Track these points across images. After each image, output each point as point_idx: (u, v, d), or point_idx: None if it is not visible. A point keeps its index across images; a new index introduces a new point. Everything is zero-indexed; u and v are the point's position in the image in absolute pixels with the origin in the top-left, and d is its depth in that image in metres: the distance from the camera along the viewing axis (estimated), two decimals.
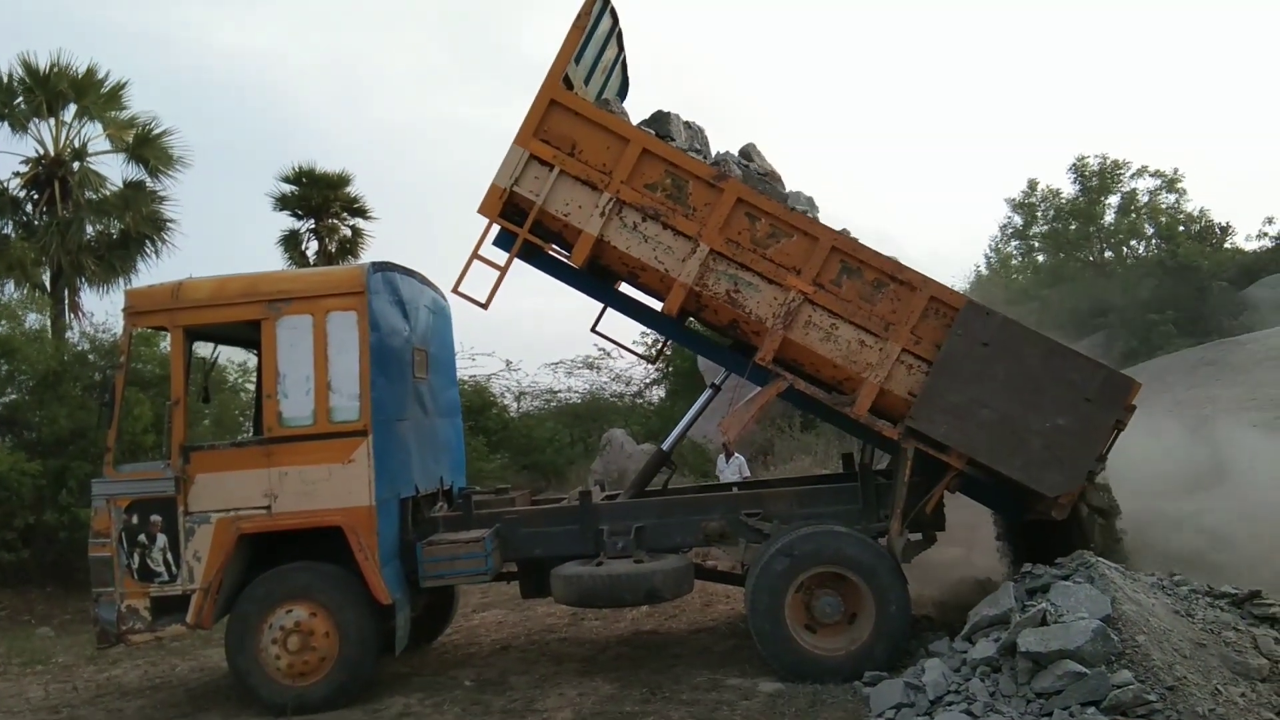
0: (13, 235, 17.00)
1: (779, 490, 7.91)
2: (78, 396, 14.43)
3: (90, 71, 17.29)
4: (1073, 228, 29.00)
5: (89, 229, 17.59)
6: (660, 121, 7.52)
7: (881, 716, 5.78)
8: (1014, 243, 31.02)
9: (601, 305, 8.10)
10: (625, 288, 7.99)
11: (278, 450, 7.04)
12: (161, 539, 6.99)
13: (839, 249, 6.89)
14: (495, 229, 7.21)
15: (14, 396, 14.92)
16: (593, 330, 8.43)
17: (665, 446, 8.38)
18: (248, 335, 7.55)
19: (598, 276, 7.65)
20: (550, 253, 7.41)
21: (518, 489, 9.00)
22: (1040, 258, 29.68)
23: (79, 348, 15.73)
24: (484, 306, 7.33)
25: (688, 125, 7.85)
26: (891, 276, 6.87)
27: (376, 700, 7.11)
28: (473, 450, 19.70)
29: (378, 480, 7.01)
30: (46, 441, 13.99)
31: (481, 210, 7.14)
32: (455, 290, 7.24)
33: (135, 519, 7.00)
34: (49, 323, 16.26)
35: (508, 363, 25.01)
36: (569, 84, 7.18)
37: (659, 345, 8.66)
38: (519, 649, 8.64)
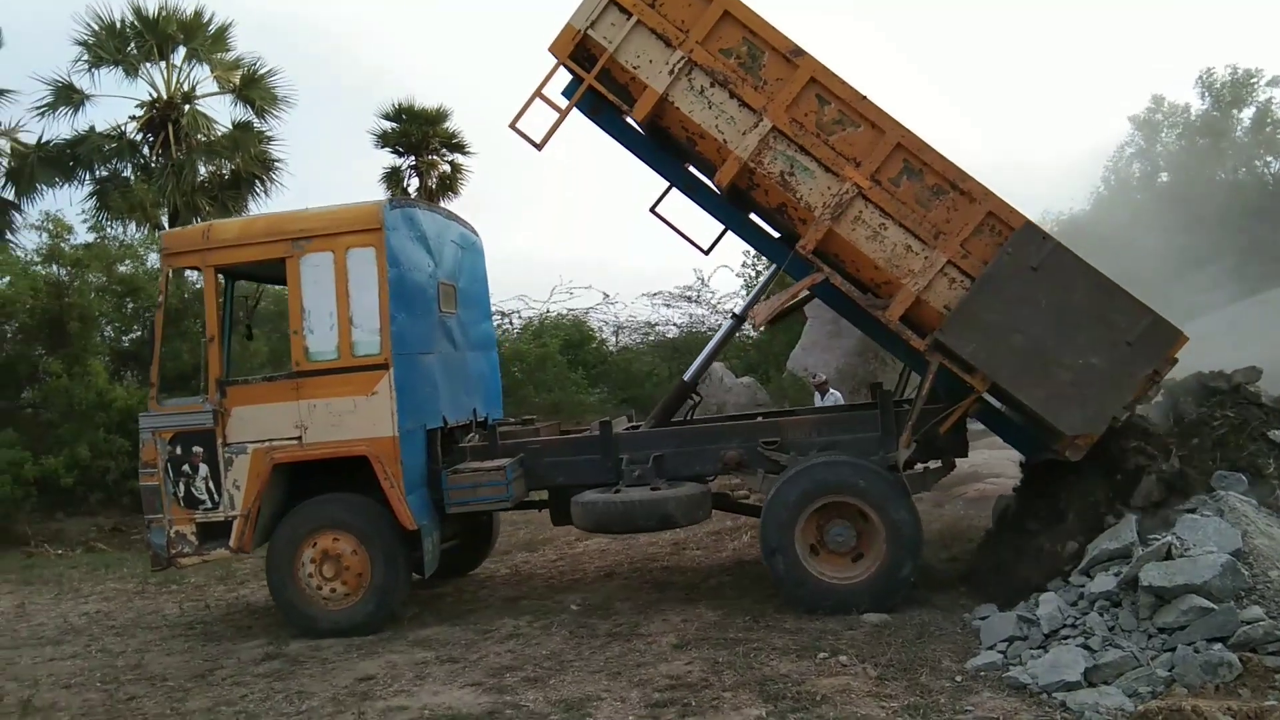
0: (133, 178, 17.77)
1: (797, 419, 7.77)
2: (198, 333, 15.07)
3: (197, 14, 17.84)
4: (1202, 143, 27.07)
5: (201, 170, 18.28)
6: None
7: (993, 649, 5.65)
8: (1134, 164, 29.26)
9: (666, 185, 7.93)
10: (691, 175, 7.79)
11: (306, 384, 7.31)
12: (204, 468, 7.37)
13: (905, 147, 6.62)
14: (562, 77, 7.14)
15: (139, 333, 15.68)
16: (651, 211, 8.15)
17: (687, 377, 8.31)
18: (278, 273, 7.75)
19: (658, 142, 7.51)
20: (612, 101, 7.14)
21: (546, 420, 9.12)
22: (1164, 177, 27.92)
23: (197, 285, 16.36)
24: (538, 147, 7.32)
25: None
26: (953, 184, 6.58)
27: (487, 622, 7.36)
28: (572, 384, 19.98)
29: (400, 412, 7.20)
30: (170, 377, 14.70)
31: (552, 49, 7.07)
32: (512, 126, 7.23)
33: (179, 450, 7.40)
34: None
35: (605, 295, 25.02)
36: None
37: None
38: (623, 576, 8.78)
